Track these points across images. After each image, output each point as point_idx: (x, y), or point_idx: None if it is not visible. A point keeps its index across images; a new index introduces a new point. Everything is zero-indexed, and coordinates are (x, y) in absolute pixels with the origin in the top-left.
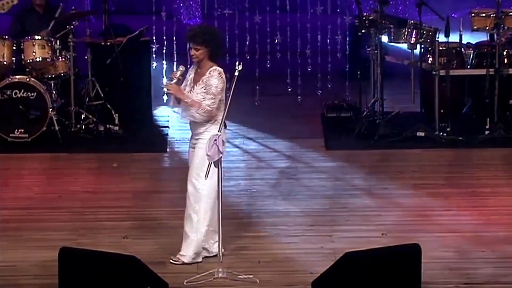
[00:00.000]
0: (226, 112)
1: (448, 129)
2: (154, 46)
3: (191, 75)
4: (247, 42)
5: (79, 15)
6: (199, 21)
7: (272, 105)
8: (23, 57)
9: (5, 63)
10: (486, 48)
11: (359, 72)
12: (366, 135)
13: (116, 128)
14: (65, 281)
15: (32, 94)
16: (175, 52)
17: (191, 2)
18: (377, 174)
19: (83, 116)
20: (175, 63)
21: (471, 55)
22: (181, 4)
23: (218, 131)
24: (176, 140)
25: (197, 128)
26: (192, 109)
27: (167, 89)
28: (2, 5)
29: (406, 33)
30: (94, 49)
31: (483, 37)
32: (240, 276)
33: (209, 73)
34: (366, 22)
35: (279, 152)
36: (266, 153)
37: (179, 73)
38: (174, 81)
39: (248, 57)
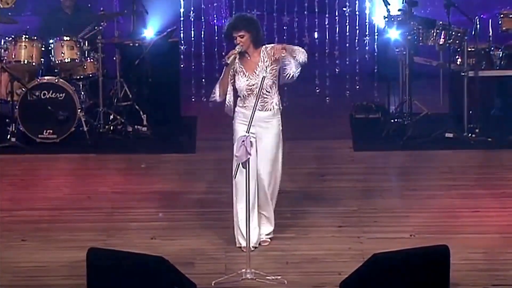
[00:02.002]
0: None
1: (477, 130)
2: (182, 47)
3: (237, 67)
4: (275, 43)
5: (108, 16)
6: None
7: (300, 106)
8: (51, 58)
9: (33, 64)
10: None
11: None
12: (395, 136)
13: (145, 129)
14: (93, 281)
15: (61, 95)
16: (203, 53)
17: (219, 3)
18: (406, 175)
19: (111, 117)
20: (203, 63)
21: (500, 56)
22: (209, 5)
23: (247, 132)
24: (205, 140)
25: (264, 113)
26: (297, 52)
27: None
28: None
29: (434, 34)
30: (122, 50)
31: None
32: (268, 277)
33: (265, 51)
34: (395, 23)
35: (307, 153)
36: (294, 154)
37: (237, 50)
38: (237, 50)
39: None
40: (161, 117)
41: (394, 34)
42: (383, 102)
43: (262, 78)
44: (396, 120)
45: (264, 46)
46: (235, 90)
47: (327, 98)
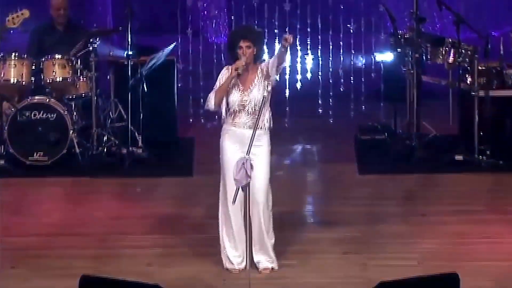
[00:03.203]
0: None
1: (488, 153)
2: (179, 65)
3: (233, 81)
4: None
5: (101, 33)
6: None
7: (302, 127)
8: (42, 77)
9: (23, 83)
10: None
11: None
12: (402, 158)
13: (140, 151)
14: None
15: (52, 115)
16: (201, 72)
17: (218, 20)
18: (413, 199)
19: (105, 138)
20: (201, 83)
21: None
22: (208, 22)
23: (247, 154)
24: (202, 163)
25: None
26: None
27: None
28: (12, 19)
29: (443, 52)
30: (117, 68)
31: None
32: None
33: (261, 68)
34: (402, 40)
35: (310, 176)
36: (296, 177)
37: (244, 61)
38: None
39: (277, 77)
40: (157, 139)
41: (401, 52)
42: (390, 123)
43: (263, 98)
44: (403, 141)
45: (261, 64)
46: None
47: (330, 118)
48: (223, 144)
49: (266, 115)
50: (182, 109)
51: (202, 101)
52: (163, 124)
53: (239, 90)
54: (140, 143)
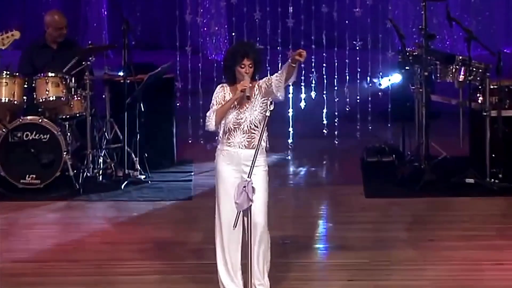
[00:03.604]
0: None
1: (500, 176)
2: (178, 84)
3: (228, 98)
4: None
5: (96, 50)
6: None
7: (306, 149)
8: (35, 96)
9: (15, 102)
10: None
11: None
12: (410, 181)
13: (137, 173)
14: None
15: (45, 136)
16: (200, 90)
17: (219, 37)
18: (422, 224)
19: (100, 160)
20: (201, 102)
21: None
22: (208, 38)
23: (248, 177)
24: (202, 186)
25: (251, 151)
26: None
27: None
28: (2, 39)
29: (454, 70)
30: (112, 87)
31: None
32: None
33: (257, 86)
34: (410, 58)
35: (315, 200)
36: (300, 201)
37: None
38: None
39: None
40: (154, 160)
41: (409, 70)
42: (397, 144)
43: (265, 117)
44: (411, 164)
45: (258, 82)
46: None
47: (336, 139)
48: (218, 166)
49: (264, 135)
50: (181, 129)
51: (201, 121)
52: (161, 145)
53: (235, 108)
54: (136, 165)
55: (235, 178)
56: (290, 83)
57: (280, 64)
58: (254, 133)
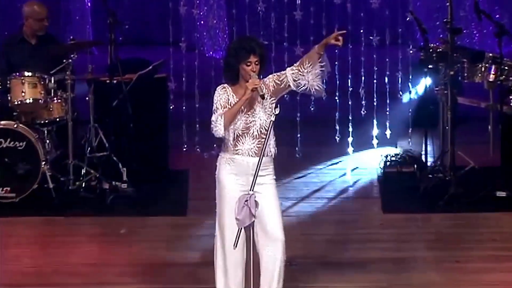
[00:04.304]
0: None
1: None
2: (171, 85)
3: (232, 101)
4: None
5: (79, 47)
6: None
7: (316, 158)
8: (9, 98)
9: None
10: None
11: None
12: (433, 195)
13: (124, 185)
14: None
15: (21, 143)
16: (197, 92)
17: (217, 31)
18: (447, 243)
19: (83, 171)
20: (197, 105)
21: None
22: (205, 33)
23: (250, 189)
24: (198, 200)
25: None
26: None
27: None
28: None
29: (483, 68)
30: (97, 88)
31: None
32: None
33: (265, 84)
34: (434, 55)
35: (327, 216)
36: (310, 217)
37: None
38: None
39: (287, 98)
40: (145, 171)
41: (433, 69)
42: (419, 153)
43: (270, 122)
44: (435, 175)
45: (262, 79)
46: None
47: (350, 147)
48: (222, 177)
49: (272, 139)
50: (175, 136)
51: (197, 126)
52: (152, 154)
53: (242, 111)
54: (124, 177)
55: (242, 192)
56: (321, 71)
57: (286, 61)
58: (264, 139)
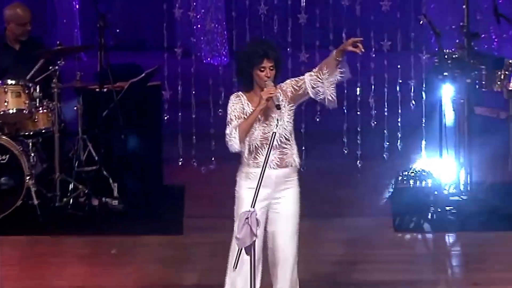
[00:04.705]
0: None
1: None
2: (166, 93)
3: (248, 110)
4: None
5: (67, 52)
6: (226, 60)
7: (323, 173)
8: None
9: None
10: None
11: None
12: (449, 212)
13: (115, 202)
14: None
15: (4, 157)
16: (193, 101)
17: (215, 35)
18: (464, 264)
19: (71, 186)
20: (193, 115)
21: None
22: (202, 38)
23: (251, 206)
24: (195, 218)
25: (283, 171)
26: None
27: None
28: None
29: (502, 76)
30: (86, 97)
31: None
32: None
33: (280, 89)
34: (449, 61)
35: (335, 235)
36: (316, 236)
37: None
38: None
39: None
40: (137, 187)
41: (448, 76)
42: (434, 167)
43: (273, 134)
44: (451, 191)
45: (279, 85)
46: None
47: (359, 161)
48: (242, 192)
49: (295, 148)
50: (169, 148)
51: (194, 138)
52: (145, 168)
53: (259, 121)
54: (115, 193)
55: (262, 209)
56: (339, 80)
57: (290, 68)
58: (286, 148)
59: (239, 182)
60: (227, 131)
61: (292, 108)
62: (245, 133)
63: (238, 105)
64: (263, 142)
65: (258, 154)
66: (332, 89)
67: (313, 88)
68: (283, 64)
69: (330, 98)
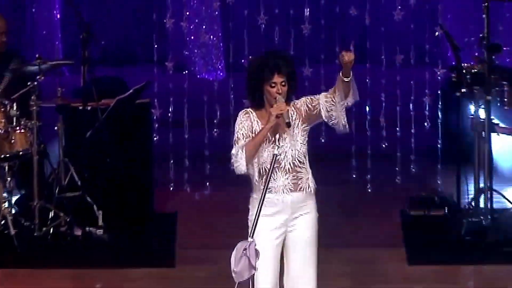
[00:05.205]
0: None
1: None
2: (155, 112)
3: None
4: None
5: (47, 66)
6: (222, 75)
7: (329, 198)
8: None
9: None
10: None
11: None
12: (468, 243)
13: (100, 232)
14: None
15: None
16: (186, 120)
17: (211, 48)
18: None
19: (51, 214)
20: (186, 136)
21: None
22: (196, 51)
23: (250, 236)
24: (188, 249)
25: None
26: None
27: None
28: None
29: None
30: (68, 115)
31: None
32: None
33: (294, 107)
34: (468, 76)
35: (342, 267)
36: (323, 269)
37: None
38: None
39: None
40: (124, 214)
41: (467, 93)
42: (451, 193)
43: (274, 156)
44: (469, 219)
45: (292, 102)
46: None
47: (368, 186)
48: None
49: (310, 171)
50: (160, 172)
51: (187, 161)
52: (134, 194)
53: (268, 141)
54: (100, 221)
55: (277, 239)
56: (350, 104)
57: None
58: (301, 171)
59: (251, 210)
60: (233, 151)
61: (306, 128)
62: (252, 154)
63: (247, 123)
64: (275, 165)
65: (270, 178)
66: (344, 114)
67: (327, 111)
68: (297, 79)
69: (343, 123)
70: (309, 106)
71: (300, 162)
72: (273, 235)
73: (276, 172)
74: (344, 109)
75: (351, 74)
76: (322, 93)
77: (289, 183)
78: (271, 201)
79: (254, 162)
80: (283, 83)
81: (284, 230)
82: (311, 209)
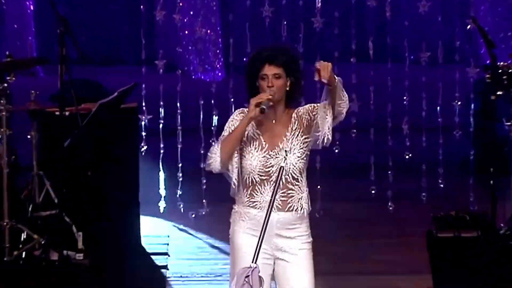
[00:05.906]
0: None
1: None
2: (144, 118)
3: (251, 133)
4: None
5: (18, 66)
6: (221, 75)
7: (345, 217)
8: None
9: None
10: None
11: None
12: (503, 268)
13: (80, 256)
14: None
15: None
16: (179, 128)
17: (208, 44)
18: None
19: (23, 235)
20: (179, 146)
21: None
22: (190, 47)
23: (253, 261)
24: (180, 276)
25: (287, 215)
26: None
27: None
28: None
29: None
30: (43, 122)
31: None
32: None
33: (297, 115)
34: (504, 77)
35: None
36: None
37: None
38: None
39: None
40: (109, 236)
41: (503, 95)
42: (485, 211)
43: (280, 169)
44: (507, 241)
45: (297, 109)
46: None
47: (390, 204)
48: (236, 237)
49: (305, 191)
50: (149, 188)
51: (180, 175)
52: (118, 213)
53: (261, 148)
54: (80, 244)
55: (263, 259)
56: (342, 118)
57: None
58: (293, 189)
59: (232, 225)
60: (213, 147)
61: (306, 140)
62: (228, 150)
63: (239, 121)
64: (263, 177)
65: (255, 191)
66: (330, 126)
67: (321, 121)
68: (304, 77)
69: (328, 135)
70: (310, 114)
71: (294, 178)
72: (258, 260)
73: (264, 185)
74: (330, 120)
75: (337, 80)
76: (322, 102)
77: (277, 200)
78: (254, 218)
79: (235, 168)
80: (276, 75)
81: (270, 252)
82: (302, 233)
